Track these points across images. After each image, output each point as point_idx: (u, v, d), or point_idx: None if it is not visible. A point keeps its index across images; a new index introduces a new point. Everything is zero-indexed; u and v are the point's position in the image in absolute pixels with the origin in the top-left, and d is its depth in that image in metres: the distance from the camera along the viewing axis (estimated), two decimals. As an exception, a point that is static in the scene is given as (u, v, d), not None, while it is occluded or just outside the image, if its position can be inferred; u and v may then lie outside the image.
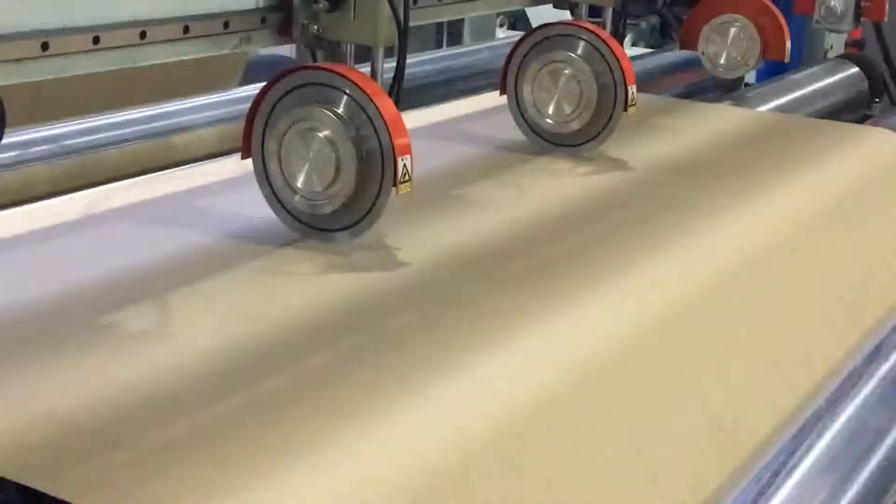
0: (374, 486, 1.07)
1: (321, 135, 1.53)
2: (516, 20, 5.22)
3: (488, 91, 2.49)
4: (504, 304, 1.49)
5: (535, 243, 1.73)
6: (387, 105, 1.52)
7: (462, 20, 4.12)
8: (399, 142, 1.51)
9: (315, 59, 1.60)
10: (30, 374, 1.22)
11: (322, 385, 1.25)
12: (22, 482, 1.02)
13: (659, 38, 4.92)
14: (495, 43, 3.50)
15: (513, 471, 1.12)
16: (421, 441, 1.16)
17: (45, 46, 1.28)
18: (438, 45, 4.27)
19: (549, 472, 1.13)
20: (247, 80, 3.20)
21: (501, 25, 5.20)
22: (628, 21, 2.34)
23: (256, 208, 1.63)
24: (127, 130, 2.31)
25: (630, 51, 3.46)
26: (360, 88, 1.51)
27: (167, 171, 2.07)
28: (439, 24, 4.20)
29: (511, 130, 2.16)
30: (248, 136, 1.60)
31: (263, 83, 1.59)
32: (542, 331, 1.43)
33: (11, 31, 1.25)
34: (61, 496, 1.00)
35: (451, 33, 4.28)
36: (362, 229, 1.57)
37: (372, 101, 1.50)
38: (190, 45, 1.43)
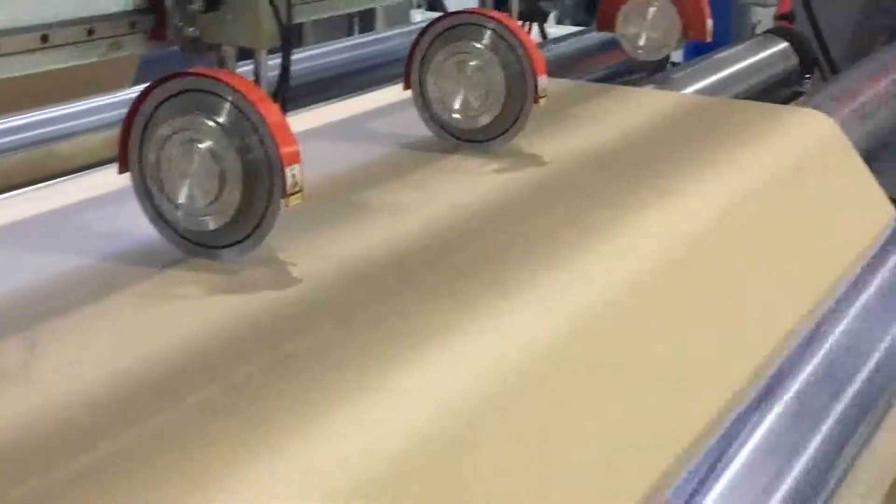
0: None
1: (203, 146, 1.51)
2: (434, 1, 5.22)
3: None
4: (414, 321, 1.48)
5: (447, 250, 1.72)
6: (271, 111, 1.51)
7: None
8: (286, 150, 1.50)
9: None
10: None
11: (210, 420, 1.24)
12: None
13: (586, 15, 4.95)
14: (411, 27, 3.49)
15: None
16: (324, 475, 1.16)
17: None
18: (350, 32, 4.26)
19: (499, 467, 1.15)
20: (140, 79, 3.16)
21: (419, 6, 5.19)
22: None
23: (138, 225, 1.61)
24: (2, 140, 2.28)
25: (555, 29, 3.48)
26: (243, 94, 1.50)
27: (45, 183, 2.03)
28: (349, 9, 4.17)
29: (418, 127, 2.15)
30: (124, 148, 1.58)
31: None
32: (457, 346, 1.42)
33: None
34: None
35: (363, 18, 4.26)
36: (250, 246, 1.56)
37: (255, 107, 1.49)
38: (49, 56, 1.41)
